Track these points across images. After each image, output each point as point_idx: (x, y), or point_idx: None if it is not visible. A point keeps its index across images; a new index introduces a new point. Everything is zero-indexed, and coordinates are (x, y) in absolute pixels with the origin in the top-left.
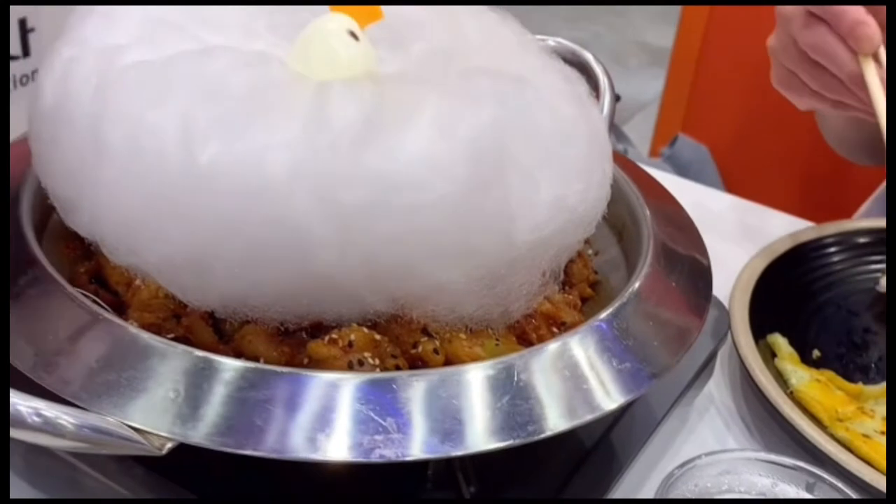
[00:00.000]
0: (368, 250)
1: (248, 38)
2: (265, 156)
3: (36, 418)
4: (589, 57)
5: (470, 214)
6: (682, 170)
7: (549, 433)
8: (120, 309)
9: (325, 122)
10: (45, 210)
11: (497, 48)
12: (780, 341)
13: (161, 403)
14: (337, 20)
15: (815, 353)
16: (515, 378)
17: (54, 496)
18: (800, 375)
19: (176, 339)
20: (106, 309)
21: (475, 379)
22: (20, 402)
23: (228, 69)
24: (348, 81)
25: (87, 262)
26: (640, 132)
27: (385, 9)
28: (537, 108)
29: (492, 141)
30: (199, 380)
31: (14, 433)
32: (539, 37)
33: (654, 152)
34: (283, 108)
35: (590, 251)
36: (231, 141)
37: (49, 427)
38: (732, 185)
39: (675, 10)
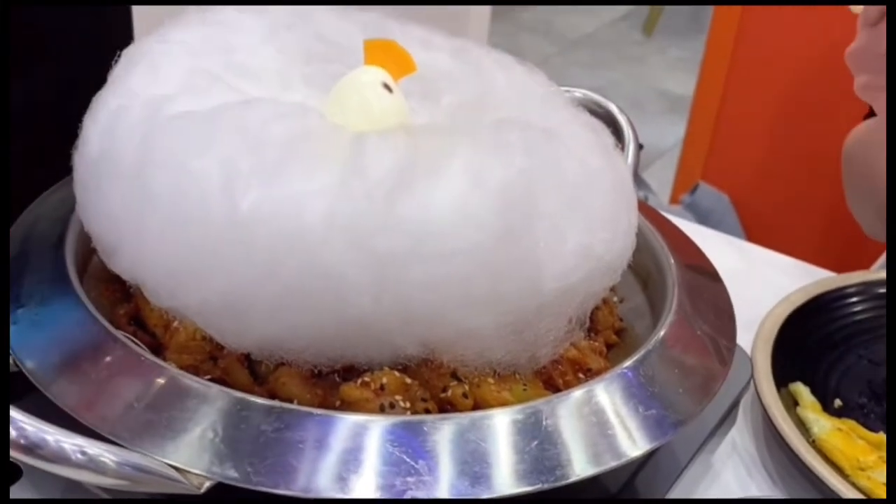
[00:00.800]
0: (401, 296)
1: (286, 89)
2: (303, 203)
3: (80, 455)
4: (613, 107)
5: (499, 262)
6: (703, 217)
7: (575, 478)
8: (158, 350)
9: (360, 171)
10: (87, 253)
11: (525, 100)
12: (801, 390)
13: (199, 443)
14: (371, 73)
15: (837, 402)
16: (543, 423)
17: None
18: (822, 424)
19: (213, 381)
20: (145, 350)
21: (503, 423)
22: (65, 440)
23: (269, 120)
24: (383, 132)
25: (126, 305)
26: (660, 179)
27: (417, 61)
28: (564, 158)
29: (521, 191)
30: (236, 420)
31: (59, 470)
32: (564, 88)
33: (674, 199)
34: (321, 158)
35: (615, 298)
36: (271, 188)
37: (92, 464)
38: (753, 233)
39: (694, 58)
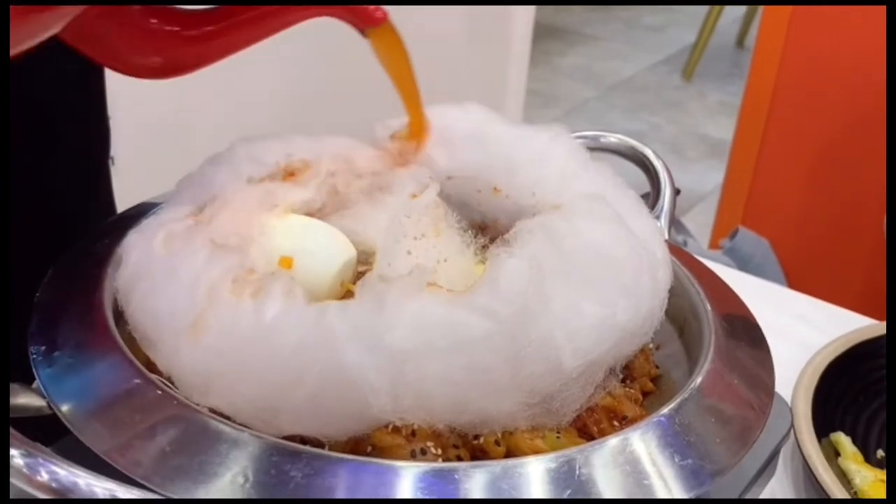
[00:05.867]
0: (421, 392)
1: None
2: (321, 312)
3: (112, 500)
4: (648, 152)
5: (517, 348)
6: (743, 263)
7: None
8: None
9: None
10: None
11: (541, 177)
12: (843, 440)
13: (230, 488)
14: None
15: (880, 452)
16: (577, 472)
17: None
18: (864, 475)
19: (245, 425)
20: (178, 393)
21: (536, 472)
22: (96, 484)
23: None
24: None
25: None
26: (700, 224)
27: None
28: (575, 236)
29: (532, 274)
30: (266, 466)
31: None
32: (597, 133)
33: (713, 244)
34: None
35: (651, 345)
36: (290, 298)
37: None
38: (795, 278)
39: (734, 103)
